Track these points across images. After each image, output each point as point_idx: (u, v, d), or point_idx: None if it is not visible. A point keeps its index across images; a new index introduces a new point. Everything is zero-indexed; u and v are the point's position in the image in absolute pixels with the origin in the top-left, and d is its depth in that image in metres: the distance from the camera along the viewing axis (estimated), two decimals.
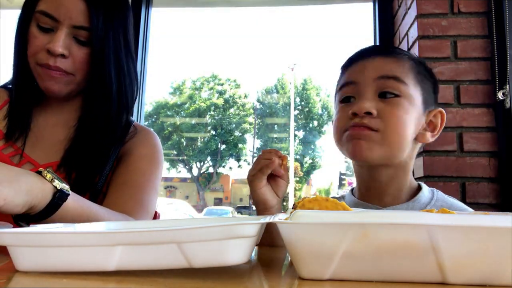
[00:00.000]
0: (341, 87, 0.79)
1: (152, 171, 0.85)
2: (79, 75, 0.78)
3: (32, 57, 0.76)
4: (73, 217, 0.61)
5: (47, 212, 0.57)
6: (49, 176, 0.58)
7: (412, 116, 0.73)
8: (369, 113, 0.71)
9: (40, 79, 0.77)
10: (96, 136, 0.81)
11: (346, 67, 0.81)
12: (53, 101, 0.84)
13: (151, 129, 0.95)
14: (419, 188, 0.79)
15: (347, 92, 0.77)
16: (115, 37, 0.83)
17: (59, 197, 0.58)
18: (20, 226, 0.58)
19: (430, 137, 0.77)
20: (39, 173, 0.58)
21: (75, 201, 0.62)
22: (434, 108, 0.78)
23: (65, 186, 0.59)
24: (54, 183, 0.58)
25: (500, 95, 1.33)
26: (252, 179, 0.74)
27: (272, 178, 0.75)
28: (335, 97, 0.84)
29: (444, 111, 0.79)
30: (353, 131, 0.73)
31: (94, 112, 0.82)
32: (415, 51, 1.46)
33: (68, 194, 0.59)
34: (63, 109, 0.85)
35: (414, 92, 0.74)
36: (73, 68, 0.77)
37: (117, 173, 0.82)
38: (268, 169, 0.73)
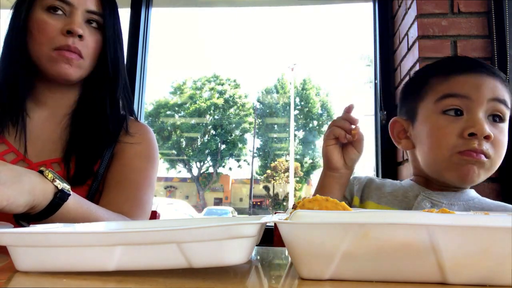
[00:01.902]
0: (445, 96, 0.74)
1: (148, 168, 0.85)
2: (88, 60, 0.80)
3: (46, 43, 0.76)
4: (73, 217, 0.61)
5: (48, 212, 0.57)
6: (50, 175, 0.58)
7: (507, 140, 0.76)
8: (486, 137, 0.69)
9: (54, 64, 0.77)
10: (90, 130, 0.82)
11: (449, 74, 0.76)
12: (44, 97, 0.84)
13: (146, 124, 0.95)
14: None
15: (457, 105, 0.72)
16: (117, 26, 0.86)
17: (60, 197, 0.58)
18: (21, 225, 0.58)
19: None
20: (41, 172, 0.58)
21: (75, 201, 0.62)
22: None
23: (66, 186, 0.59)
24: (55, 183, 0.58)
25: None
26: (325, 137, 0.79)
27: (346, 143, 0.79)
28: (417, 99, 0.79)
29: None
30: (471, 158, 0.70)
31: (89, 104, 0.84)
32: (415, 51, 1.46)
33: (69, 194, 0.59)
34: (55, 105, 0.85)
35: (509, 113, 0.76)
36: (86, 52, 0.79)
37: (112, 171, 0.82)
38: (337, 131, 0.77)
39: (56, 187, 0.58)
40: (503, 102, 0.73)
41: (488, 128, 0.69)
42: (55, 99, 0.85)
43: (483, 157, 0.70)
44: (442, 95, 0.74)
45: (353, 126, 0.77)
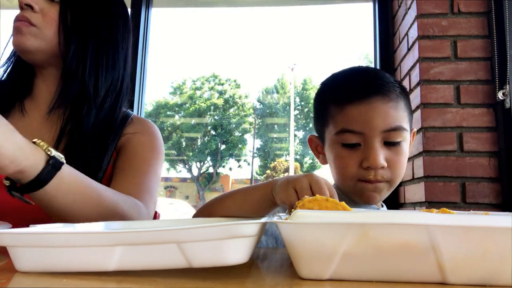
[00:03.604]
0: (343, 131, 0.77)
1: (153, 157, 0.85)
2: (45, 30, 0.77)
3: (14, 19, 0.77)
4: (71, 191, 0.59)
5: (41, 181, 0.55)
6: (43, 144, 0.56)
7: (407, 155, 0.81)
8: (382, 167, 0.76)
9: (13, 38, 0.77)
10: (88, 134, 0.80)
11: (341, 103, 0.78)
12: (39, 91, 0.83)
13: (150, 120, 0.95)
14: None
15: (354, 140, 0.77)
16: (93, 10, 0.82)
17: (52, 164, 0.55)
18: (14, 196, 0.56)
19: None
20: (33, 142, 0.56)
21: (72, 174, 0.60)
22: (412, 129, 0.85)
23: (60, 155, 0.57)
24: (47, 151, 0.56)
25: (500, 95, 1.33)
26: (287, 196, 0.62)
27: None
28: (323, 124, 0.83)
29: (415, 130, 0.87)
30: (369, 186, 0.77)
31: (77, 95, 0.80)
32: (415, 51, 1.46)
33: (62, 163, 0.57)
34: (40, 100, 0.84)
35: (408, 131, 0.80)
36: (40, 21, 0.76)
37: (118, 162, 0.82)
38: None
39: (48, 154, 0.55)
40: (397, 129, 0.77)
41: (382, 159, 0.75)
42: (39, 89, 0.84)
43: (380, 184, 0.77)
44: (340, 129, 0.78)
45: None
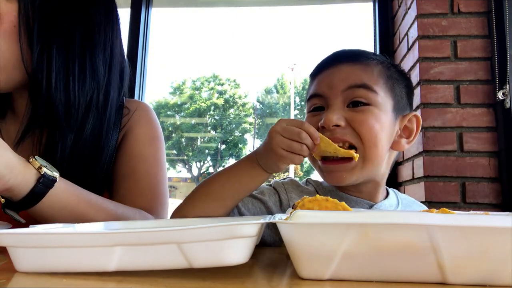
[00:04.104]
0: (310, 97, 0.76)
1: (155, 152, 0.78)
2: (5, 41, 0.60)
3: None
4: (68, 207, 0.58)
5: (32, 199, 0.54)
6: (36, 163, 0.55)
7: (385, 124, 0.70)
8: (337, 126, 0.68)
9: None
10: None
11: (314, 75, 0.78)
12: (20, 106, 0.71)
13: (144, 102, 0.85)
14: (386, 194, 0.80)
15: (316, 104, 0.75)
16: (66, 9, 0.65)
17: (43, 183, 0.54)
18: (9, 215, 0.56)
19: (405, 144, 0.75)
20: (28, 161, 0.55)
21: (68, 190, 0.59)
22: (408, 113, 0.76)
23: (54, 174, 0.56)
24: (39, 170, 0.54)
25: (500, 95, 1.33)
26: (280, 157, 0.62)
27: None
28: (306, 106, 0.81)
29: (419, 115, 0.78)
30: (328, 166, 0.70)
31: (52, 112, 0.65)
32: (415, 51, 1.46)
33: (55, 181, 0.56)
34: (19, 110, 0.72)
35: (385, 99, 0.72)
36: None
37: (118, 163, 0.75)
38: (297, 160, 0.62)
39: (39, 172, 0.54)
40: (361, 86, 0.70)
41: (336, 117, 0.67)
42: (16, 99, 0.73)
43: (342, 164, 0.68)
44: (308, 97, 0.77)
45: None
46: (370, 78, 0.72)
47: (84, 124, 0.68)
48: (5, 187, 0.52)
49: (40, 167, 0.55)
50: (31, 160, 0.55)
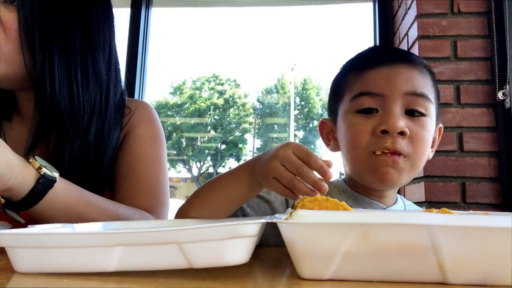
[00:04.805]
0: (359, 94, 0.69)
1: (156, 152, 0.77)
2: (7, 47, 0.61)
3: None
4: (67, 208, 0.58)
5: (31, 199, 0.54)
6: (35, 163, 0.55)
7: (431, 134, 0.70)
8: (401, 133, 0.64)
9: None
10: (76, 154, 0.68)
11: (361, 69, 0.71)
12: (25, 108, 0.72)
13: (144, 102, 0.85)
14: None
15: (371, 104, 0.67)
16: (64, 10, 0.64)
17: (43, 183, 0.54)
18: (8, 215, 0.56)
19: (431, 154, 0.74)
20: (27, 161, 0.55)
21: (68, 191, 0.59)
22: (439, 124, 0.75)
23: (54, 174, 0.56)
24: (39, 170, 0.54)
25: (500, 95, 1.33)
26: (269, 184, 0.56)
27: None
28: (338, 99, 0.75)
29: (442, 126, 0.77)
30: (386, 158, 0.65)
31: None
32: (415, 51, 1.46)
33: (55, 181, 0.56)
34: (24, 113, 0.73)
35: (434, 111, 0.70)
36: (1, 33, 0.60)
37: (119, 162, 0.75)
38: (288, 194, 0.55)
39: (39, 172, 0.54)
40: (421, 95, 0.67)
41: (403, 124, 0.64)
42: (22, 103, 0.73)
43: (398, 157, 0.65)
44: (356, 93, 0.69)
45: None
46: (426, 86, 0.69)
47: (89, 128, 0.68)
48: (5, 187, 0.52)
49: (40, 167, 0.55)
50: (31, 160, 0.55)
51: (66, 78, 0.65)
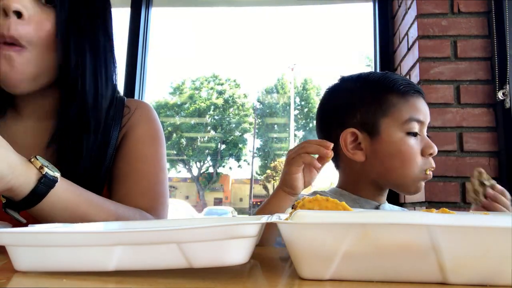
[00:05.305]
0: (411, 120, 0.82)
1: (156, 152, 0.78)
2: (40, 48, 0.61)
3: None
4: (69, 207, 0.58)
5: (33, 199, 0.54)
6: (37, 163, 0.55)
7: None
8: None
9: None
10: (76, 145, 0.68)
11: (404, 94, 0.84)
12: (24, 102, 0.72)
13: (144, 101, 0.85)
14: None
15: (417, 129, 0.83)
16: (81, 8, 0.66)
17: (44, 183, 0.54)
18: (9, 214, 0.56)
19: None
20: (29, 160, 0.55)
21: (69, 190, 0.59)
22: None
23: (55, 174, 0.56)
24: (41, 170, 0.54)
25: (500, 95, 1.33)
26: (291, 162, 0.74)
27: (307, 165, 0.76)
28: (380, 115, 0.83)
29: None
30: (429, 177, 0.82)
31: (72, 103, 0.67)
32: (415, 51, 1.46)
33: (56, 181, 0.56)
34: (36, 112, 0.73)
35: None
36: (31, 35, 0.59)
37: (118, 162, 0.75)
38: (308, 159, 0.73)
39: (41, 172, 0.54)
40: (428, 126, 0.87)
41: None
42: (34, 102, 0.71)
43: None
44: (408, 118, 0.82)
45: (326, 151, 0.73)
46: None
47: (106, 122, 0.71)
48: (6, 187, 0.52)
49: (41, 167, 0.55)
50: (32, 160, 0.55)
51: (93, 78, 0.68)
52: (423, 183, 0.83)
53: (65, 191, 0.58)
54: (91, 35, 0.67)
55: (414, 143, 0.82)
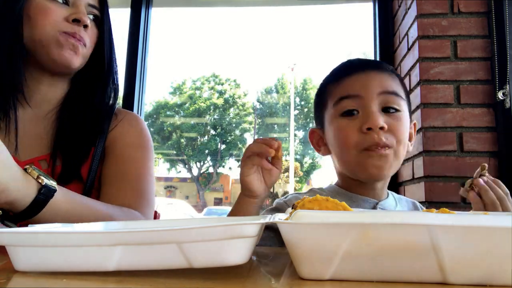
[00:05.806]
0: (340, 99, 0.78)
1: (144, 157, 0.83)
2: (89, 51, 0.82)
3: (52, 26, 0.75)
4: (66, 214, 0.59)
5: (33, 209, 0.55)
6: (34, 173, 0.55)
7: (407, 128, 0.80)
8: (381, 128, 0.74)
9: (60, 48, 0.75)
10: (78, 125, 0.80)
11: (339, 79, 0.81)
12: (31, 91, 0.80)
13: (134, 113, 0.93)
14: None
15: (351, 106, 0.77)
16: (110, 23, 0.88)
17: (44, 193, 0.55)
18: (7, 226, 0.56)
19: (410, 147, 0.83)
20: (24, 170, 0.56)
21: (65, 197, 0.60)
22: (413, 120, 0.86)
23: (53, 183, 0.57)
24: (39, 180, 0.55)
25: (500, 95, 1.33)
26: (242, 164, 0.71)
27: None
28: (321, 109, 0.85)
29: (416, 122, 0.87)
30: (374, 155, 0.74)
31: (78, 98, 0.83)
32: (415, 51, 1.46)
33: (55, 190, 0.57)
34: (42, 100, 0.82)
35: (406, 107, 0.80)
36: (88, 41, 0.80)
37: (107, 165, 0.80)
38: (256, 161, 0.69)
39: (40, 183, 0.55)
40: (393, 93, 0.77)
41: (381, 120, 0.74)
42: (44, 92, 0.81)
43: (386, 150, 0.74)
44: (337, 99, 0.79)
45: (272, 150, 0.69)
46: (397, 86, 0.80)
47: (109, 81, 0.89)
48: (8, 199, 0.52)
49: (38, 177, 0.56)
50: (29, 171, 0.56)
51: (117, 75, 0.89)
52: (378, 164, 0.74)
53: (62, 198, 0.59)
54: (112, 38, 0.89)
55: (347, 123, 0.76)
